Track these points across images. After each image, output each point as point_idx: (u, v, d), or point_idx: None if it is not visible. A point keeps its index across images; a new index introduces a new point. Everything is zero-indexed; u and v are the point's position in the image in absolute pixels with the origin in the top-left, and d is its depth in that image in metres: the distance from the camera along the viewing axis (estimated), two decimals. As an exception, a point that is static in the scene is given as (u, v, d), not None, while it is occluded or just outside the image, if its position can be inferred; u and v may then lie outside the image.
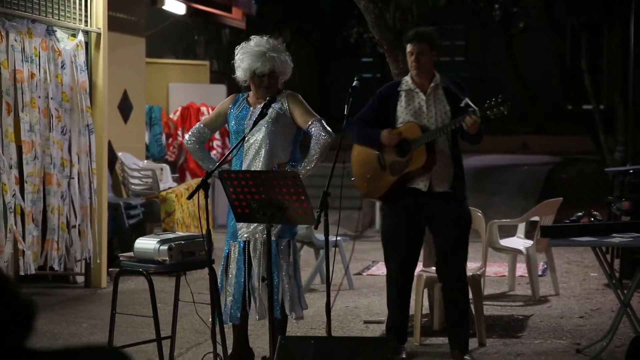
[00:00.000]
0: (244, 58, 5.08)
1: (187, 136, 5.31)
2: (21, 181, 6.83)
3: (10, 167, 6.67)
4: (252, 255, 5.05)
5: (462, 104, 5.09)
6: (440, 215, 5.25)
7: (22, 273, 7.04)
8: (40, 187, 7.00)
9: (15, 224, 6.71)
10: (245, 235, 5.07)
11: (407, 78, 5.37)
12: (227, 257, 5.14)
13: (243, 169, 5.06)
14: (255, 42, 5.10)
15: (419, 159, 5.20)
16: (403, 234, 5.31)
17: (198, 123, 5.37)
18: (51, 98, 7.07)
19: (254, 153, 5.07)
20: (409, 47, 5.32)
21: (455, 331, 5.40)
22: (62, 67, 7.20)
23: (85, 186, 7.40)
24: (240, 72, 5.13)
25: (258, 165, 5.04)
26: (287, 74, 5.18)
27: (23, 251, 6.89)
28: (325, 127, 5.06)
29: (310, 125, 5.06)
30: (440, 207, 5.24)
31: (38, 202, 6.97)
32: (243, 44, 5.14)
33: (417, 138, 5.20)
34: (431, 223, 5.35)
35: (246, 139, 5.06)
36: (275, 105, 5.09)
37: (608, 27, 17.42)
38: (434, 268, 5.81)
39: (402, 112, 5.30)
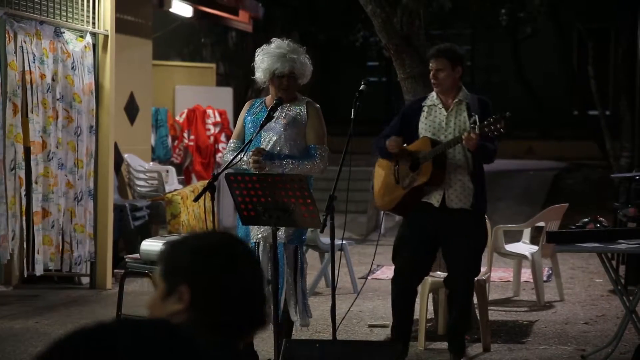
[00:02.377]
0: (264, 59, 5.08)
1: (226, 155, 5.21)
2: (28, 182, 6.84)
3: (12, 169, 6.68)
4: (262, 258, 5.05)
5: (471, 121, 5.08)
6: (453, 232, 5.20)
7: (25, 275, 7.05)
8: (54, 188, 7.03)
9: (26, 225, 6.74)
10: (258, 237, 5.07)
11: (433, 93, 5.35)
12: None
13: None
14: (276, 45, 5.12)
15: (425, 174, 5.17)
16: (410, 243, 5.29)
17: (230, 140, 5.35)
18: (58, 99, 7.09)
19: (270, 150, 5.07)
20: (430, 65, 5.31)
21: (451, 335, 5.44)
22: (72, 68, 7.22)
23: (89, 187, 7.43)
24: (260, 73, 5.12)
25: (276, 154, 5.05)
26: (307, 77, 5.18)
27: (32, 252, 6.91)
28: (325, 160, 5.10)
29: (315, 148, 5.09)
30: (453, 224, 5.19)
31: (50, 203, 7.00)
32: (264, 46, 5.15)
33: (427, 152, 5.18)
34: (443, 238, 5.27)
35: (261, 138, 5.06)
36: (294, 109, 5.10)
37: (615, 32, 17.40)
38: (439, 272, 5.82)
39: (423, 127, 5.30)
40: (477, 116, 5.05)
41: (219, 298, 1.73)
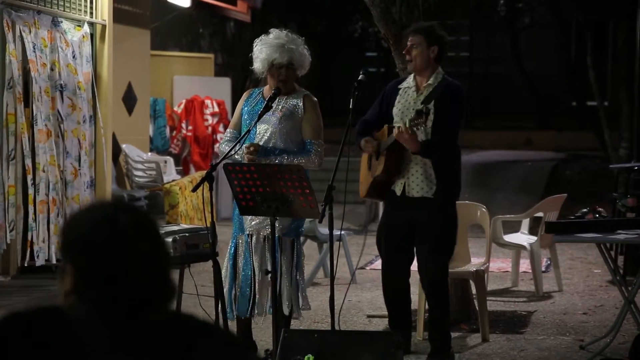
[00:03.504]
0: (263, 49, 5.06)
1: (222, 145, 5.23)
2: (33, 170, 6.84)
3: (13, 159, 6.68)
4: (253, 249, 5.04)
5: (418, 109, 4.86)
6: (417, 222, 5.06)
7: (26, 264, 7.05)
8: (62, 177, 7.05)
9: (34, 215, 6.75)
10: (250, 228, 5.06)
11: (412, 75, 5.21)
12: (235, 249, 5.13)
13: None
14: (275, 35, 5.09)
15: (381, 163, 5.06)
16: (387, 231, 5.22)
17: (227, 129, 5.34)
18: (61, 89, 7.07)
19: (264, 143, 5.05)
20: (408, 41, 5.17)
21: (432, 337, 5.23)
22: (73, 57, 7.20)
23: (92, 176, 7.44)
24: (259, 63, 5.10)
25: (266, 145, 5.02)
26: (305, 68, 5.15)
27: (31, 242, 6.90)
28: (321, 155, 5.08)
29: (311, 142, 5.07)
30: (416, 213, 5.04)
31: (58, 191, 7.01)
32: (262, 37, 5.13)
33: (384, 142, 5.06)
34: (410, 227, 5.11)
35: (256, 130, 5.05)
36: (291, 101, 5.08)
37: (613, 23, 17.37)
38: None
39: (395, 110, 5.16)
40: (427, 106, 4.84)
41: (95, 271, 1.67)
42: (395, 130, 4.86)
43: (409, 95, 5.13)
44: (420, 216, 5.05)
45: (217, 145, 5.41)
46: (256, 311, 5.03)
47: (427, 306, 6.00)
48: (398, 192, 5.08)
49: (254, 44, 5.15)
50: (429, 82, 5.09)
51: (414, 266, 5.21)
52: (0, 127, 6.65)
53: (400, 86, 5.21)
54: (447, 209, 5.10)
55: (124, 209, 1.72)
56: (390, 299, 5.31)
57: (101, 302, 1.65)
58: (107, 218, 1.69)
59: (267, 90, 5.20)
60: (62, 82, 7.08)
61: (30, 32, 6.79)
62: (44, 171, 6.87)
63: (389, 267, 5.23)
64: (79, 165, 7.25)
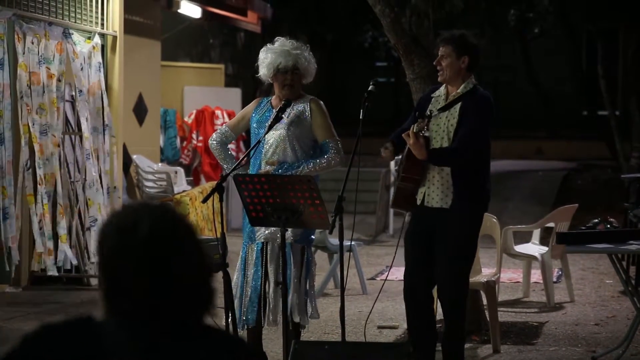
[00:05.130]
0: (268, 55, 5.07)
1: (212, 136, 5.34)
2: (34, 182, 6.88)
3: (29, 169, 6.71)
4: (269, 258, 5.03)
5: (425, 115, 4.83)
6: (436, 234, 4.92)
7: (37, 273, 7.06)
8: (73, 187, 7.09)
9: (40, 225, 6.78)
10: (264, 237, 5.06)
11: (445, 84, 5.08)
12: (245, 259, 5.13)
13: (261, 166, 5.07)
14: (280, 43, 5.12)
15: (404, 171, 4.95)
16: (410, 239, 5.08)
17: (224, 125, 5.39)
18: (67, 100, 7.10)
19: (272, 151, 5.07)
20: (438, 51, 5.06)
21: (446, 351, 5.06)
22: (81, 69, 7.24)
23: (104, 186, 7.45)
24: (264, 69, 5.11)
25: (275, 158, 5.03)
26: (311, 75, 5.16)
27: (40, 252, 6.93)
28: (340, 150, 5.07)
29: (327, 142, 5.07)
30: (435, 225, 4.91)
31: (67, 201, 7.05)
32: (268, 45, 5.15)
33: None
34: (429, 237, 4.96)
35: (265, 139, 5.06)
36: (298, 107, 5.09)
37: (624, 32, 17.34)
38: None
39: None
40: (431, 109, 4.81)
41: (116, 283, 1.62)
42: (404, 135, 4.77)
43: (438, 104, 5.03)
44: (437, 227, 4.91)
45: (210, 139, 5.41)
46: (271, 318, 5.01)
47: (438, 316, 5.97)
48: (419, 201, 4.97)
49: (260, 52, 5.17)
50: (458, 90, 4.98)
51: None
52: (12, 139, 6.67)
53: (433, 95, 5.10)
54: (465, 225, 4.92)
55: (148, 214, 1.63)
56: (408, 304, 5.08)
57: (128, 315, 1.61)
58: (126, 227, 1.62)
59: (274, 99, 5.20)
60: (72, 93, 7.11)
61: (39, 43, 6.82)
62: (48, 181, 6.90)
63: (410, 273, 5.04)
64: (96, 174, 7.28)
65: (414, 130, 4.74)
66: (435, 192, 4.92)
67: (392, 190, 5.33)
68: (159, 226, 1.62)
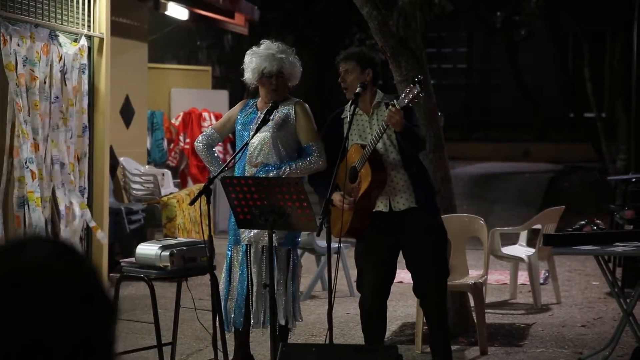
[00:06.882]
0: (253, 59, 5.08)
1: (198, 138, 5.34)
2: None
3: (27, 168, 6.70)
4: (252, 260, 5.04)
5: (390, 105, 4.76)
6: (409, 236, 4.91)
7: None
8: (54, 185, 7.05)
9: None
10: (247, 239, 5.06)
11: (348, 105, 5.04)
12: (230, 261, 5.13)
13: (246, 168, 5.07)
14: (265, 46, 5.13)
15: (366, 178, 4.88)
16: (369, 259, 4.97)
17: (210, 127, 5.39)
18: (52, 102, 7.07)
19: (257, 152, 5.07)
20: (339, 68, 5.10)
21: (435, 352, 5.12)
22: (65, 72, 7.20)
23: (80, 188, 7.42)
24: (249, 73, 5.11)
25: (259, 159, 5.03)
26: (296, 78, 5.16)
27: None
28: (322, 153, 5.05)
29: (310, 146, 5.06)
30: (407, 227, 4.89)
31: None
32: (253, 48, 5.15)
33: (360, 157, 4.89)
34: (402, 244, 4.96)
35: (250, 142, 5.06)
36: (283, 110, 5.09)
37: (610, 35, 17.42)
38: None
39: (356, 137, 5.00)
40: (418, 75, 4.81)
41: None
42: (388, 112, 4.67)
43: (360, 121, 5.01)
44: (412, 229, 4.90)
45: (196, 141, 5.40)
46: (254, 320, 5.00)
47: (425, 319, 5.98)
48: (385, 208, 4.92)
49: (245, 55, 5.17)
50: (376, 100, 5.00)
51: (404, 279, 5.10)
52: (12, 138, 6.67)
53: (343, 116, 5.07)
54: (438, 220, 5.03)
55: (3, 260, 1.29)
56: (369, 332, 5.08)
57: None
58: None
59: (260, 102, 5.21)
60: (55, 95, 7.08)
61: (24, 45, 6.79)
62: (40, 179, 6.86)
63: (371, 291, 5.00)
64: (72, 177, 7.24)
65: (398, 106, 4.66)
66: (398, 194, 4.92)
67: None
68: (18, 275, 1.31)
